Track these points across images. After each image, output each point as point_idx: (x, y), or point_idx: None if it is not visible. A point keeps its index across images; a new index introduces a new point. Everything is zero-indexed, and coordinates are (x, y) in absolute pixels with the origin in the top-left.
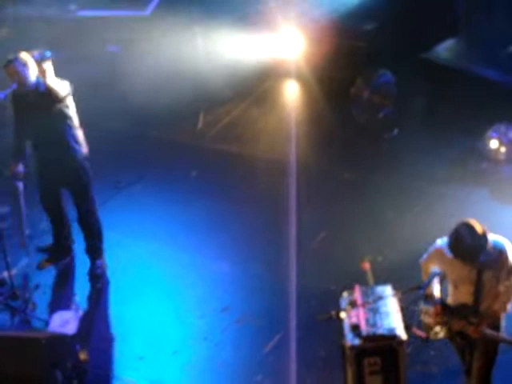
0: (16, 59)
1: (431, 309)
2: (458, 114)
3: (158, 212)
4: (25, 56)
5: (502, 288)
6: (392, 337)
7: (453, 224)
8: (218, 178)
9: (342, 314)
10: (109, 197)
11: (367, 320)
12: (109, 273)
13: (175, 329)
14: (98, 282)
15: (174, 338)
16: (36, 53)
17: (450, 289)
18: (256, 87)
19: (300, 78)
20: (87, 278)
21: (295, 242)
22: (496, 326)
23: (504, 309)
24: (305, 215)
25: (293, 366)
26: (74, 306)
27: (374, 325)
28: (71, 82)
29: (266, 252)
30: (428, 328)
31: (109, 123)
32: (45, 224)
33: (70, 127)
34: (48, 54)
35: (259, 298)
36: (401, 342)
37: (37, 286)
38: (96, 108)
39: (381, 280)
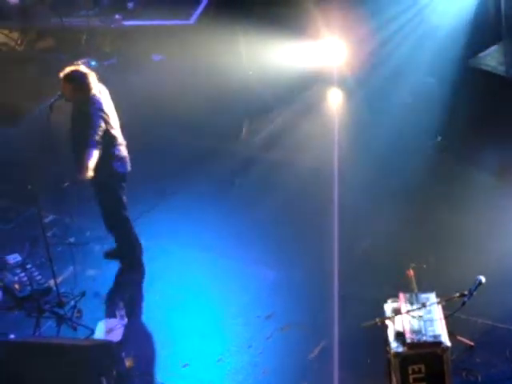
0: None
1: None
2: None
3: (202, 220)
4: (84, 68)
5: None
6: (436, 344)
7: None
8: (262, 185)
9: (387, 322)
10: (154, 205)
11: (411, 327)
12: (154, 280)
13: (219, 336)
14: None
15: (219, 346)
16: (81, 62)
17: None
18: (299, 95)
19: (343, 85)
20: (132, 285)
21: (339, 249)
22: None
23: None
24: (348, 222)
25: (337, 374)
26: (119, 314)
27: (418, 332)
28: (117, 90)
29: (309, 259)
30: None
31: (154, 131)
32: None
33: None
34: (93, 63)
35: (303, 305)
36: (445, 348)
37: (83, 294)
38: (142, 116)
39: (425, 287)
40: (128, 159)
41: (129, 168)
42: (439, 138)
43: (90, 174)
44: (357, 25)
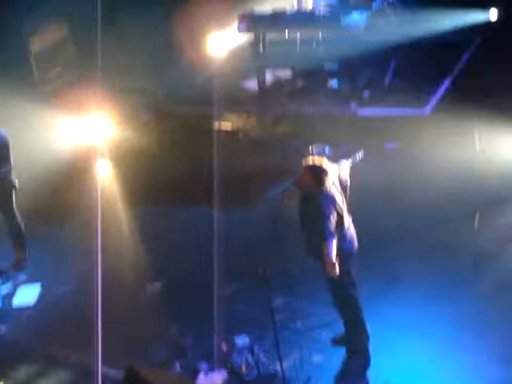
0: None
1: None
2: None
3: (430, 310)
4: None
5: None
6: None
7: None
8: (498, 279)
9: None
10: (382, 289)
11: None
12: (380, 369)
13: None
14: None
15: None
16: (315, 148)
17: None
18: None
19: None
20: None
21: None
22: None
23: None
24: None
25: None
26: None
27: None
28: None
29: None
30: None
31: (377, 221)
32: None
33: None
34: (327, 150)
35: None
36: None
37: (308, 380)
38: (372, 201)
39: None
40: (355, 239)
41: (356, 247)
42: None
43: (337, 270)
44: None
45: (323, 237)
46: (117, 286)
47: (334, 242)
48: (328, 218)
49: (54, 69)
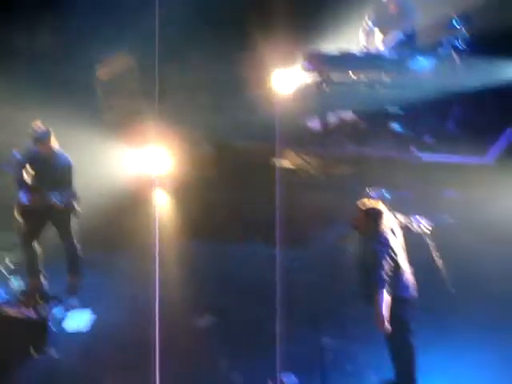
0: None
1: None
2: None
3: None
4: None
5: None
6: None
7: None
8: None
9: None
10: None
11: None
12: None
13: None
14: None
15: None
16: (373, 191)
17: None
18: None
19: None
20: None
21: None
22: None
23: None
24: None
25: None
26: None
27: None
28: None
29: None
30: None
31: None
32: None
33: None
34: (386, 194)
35: None
36: None
37: None
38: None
39: None
40: (412, 287)
41: (414, 294)
42: None
43: (385, 325)
44: None
45: (377, 284)
46: (169, 316)
47: (386, 293)
48: (381, 264)
49: (118, 98)
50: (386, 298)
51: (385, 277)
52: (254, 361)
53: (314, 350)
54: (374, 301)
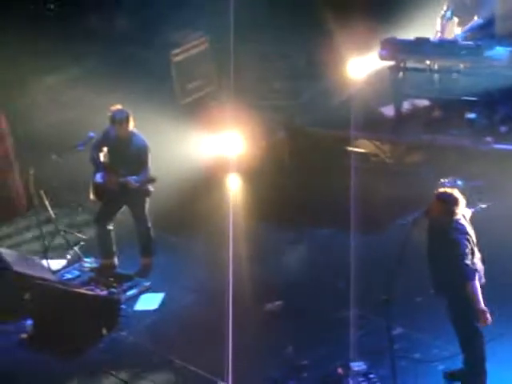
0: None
1: None
2: None
3: None
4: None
5: None
6: None
7: None
8: None
9: None
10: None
11: None
12: None
13: None
14: None
15: None
16: (448, 180)
17: None
18: None
19: None
20: None
21: None
22: None
23: None
24: None
25: None
26: None
27: None
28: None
29: None
30: None
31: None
32: None
33: None
34: (459, 183)
35: None
36: None
37: None
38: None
39: None
40: (482, 272)
41: (483, 280)
42: None
43: (489, 317)
44: None
45: (464, 276)
46: (239, 299)
47: (476, 281)
48: (465, 253)
49: (193, 82)
50: (478, 286)
51: (472, 266)
52: (322, 347)
53: (384, 339)
54: (450, 290)
